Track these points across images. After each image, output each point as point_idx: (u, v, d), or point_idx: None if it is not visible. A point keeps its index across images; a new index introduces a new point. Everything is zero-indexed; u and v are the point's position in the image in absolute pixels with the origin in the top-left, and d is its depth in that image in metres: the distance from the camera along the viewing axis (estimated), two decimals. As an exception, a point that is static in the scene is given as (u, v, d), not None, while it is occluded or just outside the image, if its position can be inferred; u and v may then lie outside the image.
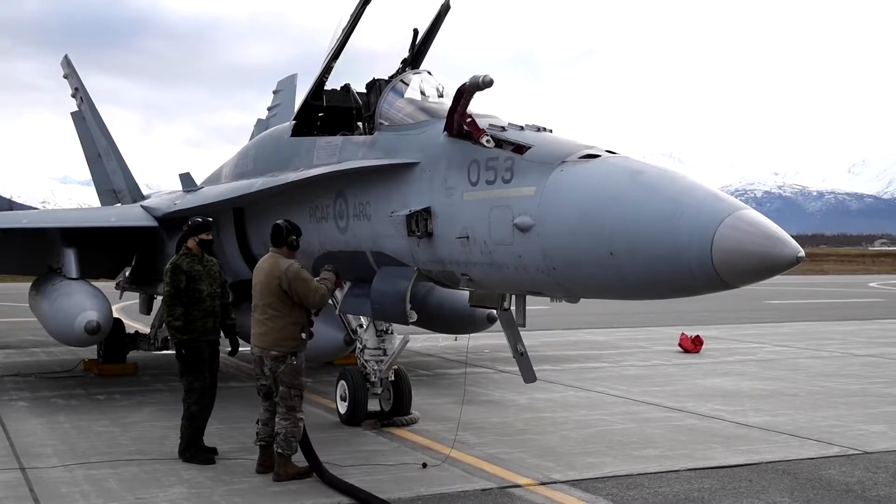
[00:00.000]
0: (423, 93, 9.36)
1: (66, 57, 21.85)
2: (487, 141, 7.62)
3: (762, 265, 5.88)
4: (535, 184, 7.02)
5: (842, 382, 14.24)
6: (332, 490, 7.54)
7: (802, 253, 5.87)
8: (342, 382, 10.35)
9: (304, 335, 8.19)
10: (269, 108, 19.21)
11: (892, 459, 8.99)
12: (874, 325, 25.16)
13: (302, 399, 8.17)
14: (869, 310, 30.94)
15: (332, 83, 10.84)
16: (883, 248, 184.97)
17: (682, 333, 18.75)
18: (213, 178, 14.09)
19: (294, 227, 8.42)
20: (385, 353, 10.30)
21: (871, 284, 50.15)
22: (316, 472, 7.92)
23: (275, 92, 19.31)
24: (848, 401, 12.49)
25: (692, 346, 18.16)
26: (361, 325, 10.47)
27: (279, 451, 7.95)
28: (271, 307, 8.09)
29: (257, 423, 8.33)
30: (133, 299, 18.63)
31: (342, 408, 10.35)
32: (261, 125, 18.45)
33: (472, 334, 13.42)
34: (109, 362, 14.44)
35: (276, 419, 8.06)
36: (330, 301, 11.18)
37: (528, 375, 8.92)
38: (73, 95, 21.67)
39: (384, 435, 9.83)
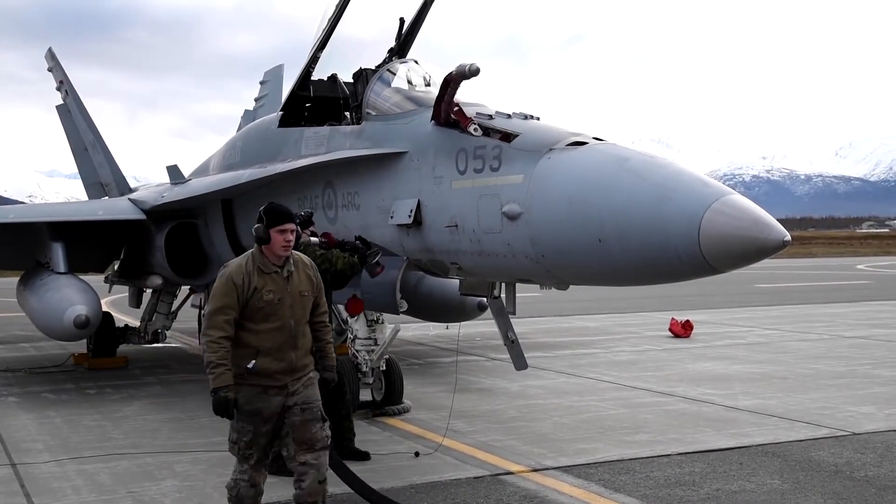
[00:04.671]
0: (410, 82, 9.32)
1: (50, 50, 21.65)
2: (475, 129, 7.60)
3: (749, 250, 5.91)
4: (523, 171, 7.02)
5: (830, 364, 14.34)
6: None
7: (788, 237, 5.91)
8: (333, 373, 10.34)
9: None
10: (256, 99, 19.12)
11: (880, 440, 9.07)
12: (862, 307, 25.30)
13: None
14: (857, 292, 31.10)
15: (319, 73, 10.79)
16: (870, 231, 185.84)
17: (672, 318, 18.83)
18: (201, 170, 14.04)
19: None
20: (376, 343, 10.30)
21: (859, 267, 50.40)
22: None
23: (262, 83, 19.22)
24: (836, 383, 12.58)
25: (682, 330, 18.23)
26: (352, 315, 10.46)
27: None
28: None
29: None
30: (122, 293, 18.53)
31: (334, 398, 10.36)
32: (248, 116, 18.37)
33: (462, 322, 13.41)
34: (99, 356, 14.40)
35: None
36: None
37: (520, 363, 8.92)
38: (58, 88, 21.48)
39: (376, 424, 9.85)
